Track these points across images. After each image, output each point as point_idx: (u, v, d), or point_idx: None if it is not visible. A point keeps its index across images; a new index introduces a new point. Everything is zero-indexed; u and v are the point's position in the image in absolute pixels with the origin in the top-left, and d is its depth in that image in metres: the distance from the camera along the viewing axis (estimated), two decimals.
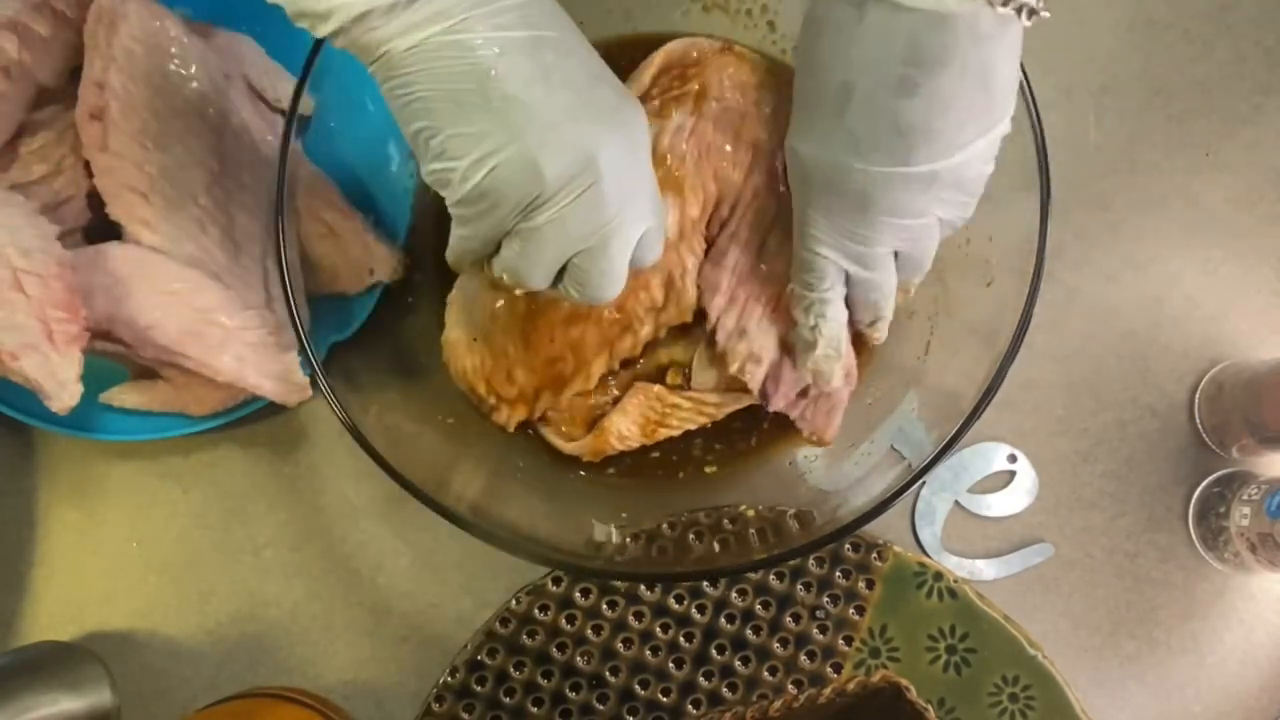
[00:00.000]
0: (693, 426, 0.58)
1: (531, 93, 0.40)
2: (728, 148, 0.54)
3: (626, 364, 0.58)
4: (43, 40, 0.57)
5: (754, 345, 0.54)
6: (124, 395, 0.61)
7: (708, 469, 0.61)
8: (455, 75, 0.39)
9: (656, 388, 0.57)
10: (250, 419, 0.62)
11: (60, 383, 0.53)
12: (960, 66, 0.41)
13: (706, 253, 0.55)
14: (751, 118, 0.54)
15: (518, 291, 0.47)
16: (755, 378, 0.54)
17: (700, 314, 0.56)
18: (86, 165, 0.59)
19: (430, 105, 0.40)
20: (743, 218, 0.54)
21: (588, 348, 0.55)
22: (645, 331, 0.55)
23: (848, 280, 0.50)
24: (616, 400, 0.58)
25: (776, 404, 0.55)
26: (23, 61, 0.56)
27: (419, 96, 0.40)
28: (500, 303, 0.55)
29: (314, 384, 0.60)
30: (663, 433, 0.58)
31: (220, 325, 0.58)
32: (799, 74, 0.47)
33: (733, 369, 0.54)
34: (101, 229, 0.60)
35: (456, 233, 0.45)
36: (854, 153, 0.44)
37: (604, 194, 0.42)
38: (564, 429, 0.59)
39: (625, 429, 0.57)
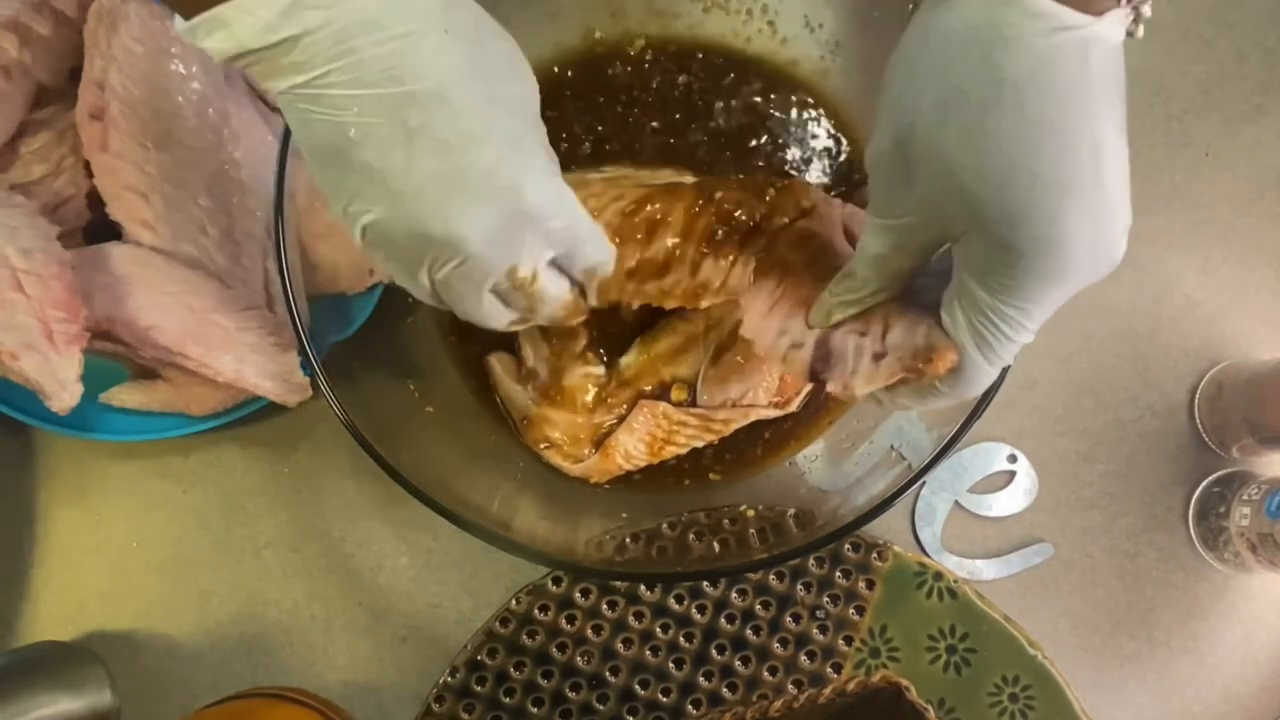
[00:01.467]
0: (699, 444, 0.58)
1: (389, 161, 0.37)
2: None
3: (628, 383, 0.58)
4: (43, 40, 0.57)
5: (795, 337, 0.50)
6: (124, 395, 0.60)
7: (712, 475, 0.61)
8: (318, 129, 0.37)
9: (662, 405, 0.57)
10: (250, 419, 0.62)
11: (60, 383, 0.53)
12: None
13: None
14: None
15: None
16: (801, 362, 0.49)
17: (695, 335, 0.56)
18: (86, 165, 0.59)
19: (307, 149, 0.39)
20: (791, 251, 0.52)
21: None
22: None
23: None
24: (621, 420, 0.58)
25: (836, 382, 0.48)
26: (23, 61, 0.56)
27: (297, 138, 0.38)
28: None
29: (314, 384, 0.60)
30: (669, 450, 0.58)
31: (220, 325, 0.58)
32: (1038, 159, 0.36)
33: (772, 364, 0.51)
34: (101, 229, 0.60)
35: None
36: (1110, 216, 0.37)
37: (476, 266, 0.40)
38: (568, 450, 0.58)
39: (632, 447, 0.57)
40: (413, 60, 0.36)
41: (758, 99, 0.62)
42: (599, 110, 0.61)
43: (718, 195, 0.52)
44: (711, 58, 0.62)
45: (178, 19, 0.36)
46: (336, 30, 0.34)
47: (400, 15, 0.35)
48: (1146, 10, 0.35)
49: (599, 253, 0.45)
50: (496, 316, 0.44)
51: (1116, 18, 0.34)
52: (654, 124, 0.61)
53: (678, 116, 0.61)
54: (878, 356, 0.46)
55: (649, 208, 0.51)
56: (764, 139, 0.61)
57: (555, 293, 0.44)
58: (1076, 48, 0.34)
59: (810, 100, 0.62)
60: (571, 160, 0.60)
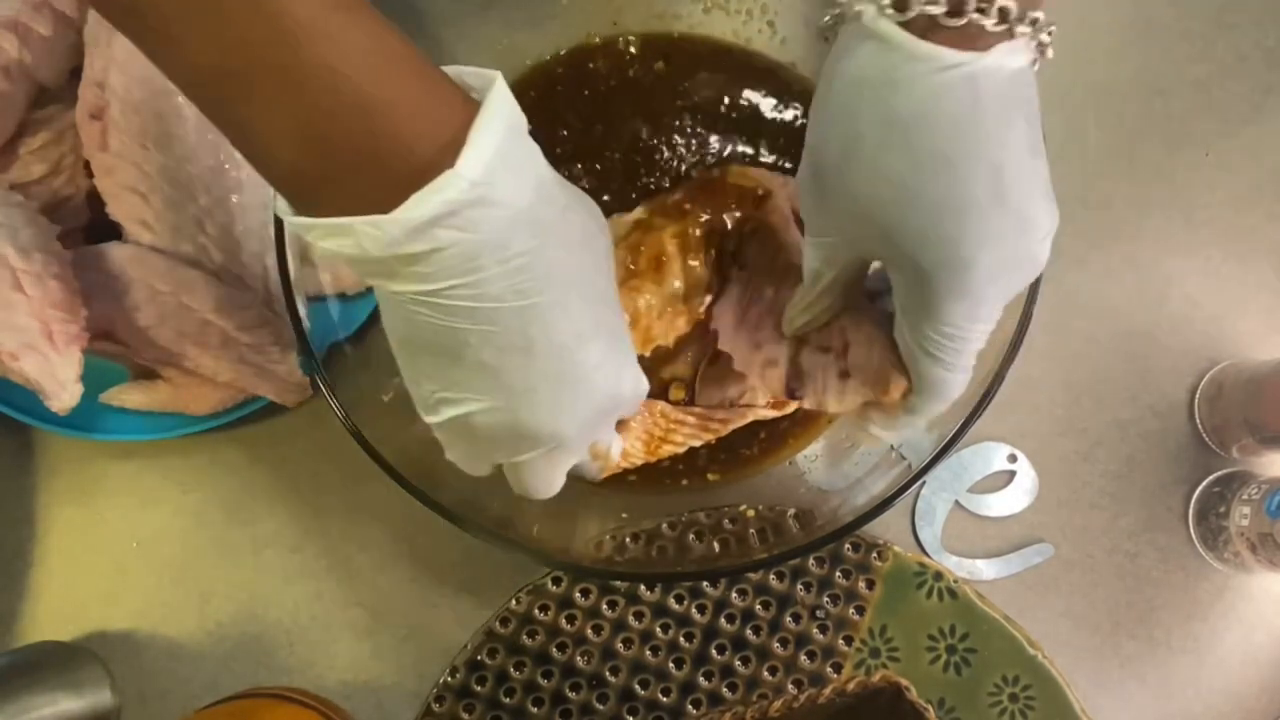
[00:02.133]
0: (697, 443, 0.58)
1: (505, 361, 0.37)
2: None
3: None
4: (43, 40, 0.57)
5: (770, 353, 0.53)
6: (124, 395, 0.61)
7: (710, 476, 0.61)
8: (428, 329, 0.36)
9: (660, 404, 0.57)
10: (250, 419, 0.62)
11: (60, 383, 0.53)
12: None
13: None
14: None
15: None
16: (777, 380, 0.52)
17: (694, 333, 0.56)
18: (86, 165, 0.59)
19: (404, 340, 0.39)
20: (748, 246, 0.54)
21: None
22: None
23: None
24: None
25: (811, 398, 0.51)
26: (23, 61, 0.56)
27: (399, 336, 0.39)
28: None
29: (314, 384, 0.60)
30: (666, 450, 0.58)
31: (220, 325, 0.58)
32: (933, 188, 0.38)
33: (753, 381, 0.53)
34: (101, 229, 0.60)
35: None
36: (1023, 230, 0.39)
37: (565, 457, 0.43)
38: None
39: (629, 445, 0.57)
40: (536, 275, 0.36)
41: (757, 99, 0.62)
42: (594, 111, 0.61)
43: (687, 207, 0.53)
44: (710, 58, 0.62)
45: (281, 203, 0.35)
46: (466, 250, 0.34)
47: (524, 234, 0.35)
48: (1046, 38, 0.38)
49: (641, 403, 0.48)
50: (556, 482, 0.46)
51: (1008, 49, 0.36)
52: (650, 125, 0.61)
53: (675, 115, 0.61)
54: (843, 375, 0.50)
55: (644, 250, 0.53)
56: (763, 139, 0.61)
57: (618, 448, 0.49)
58: (963, 82, 0.36)
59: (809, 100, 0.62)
60: (567, 158, 0.60)
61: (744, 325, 0.53)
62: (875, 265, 0.49)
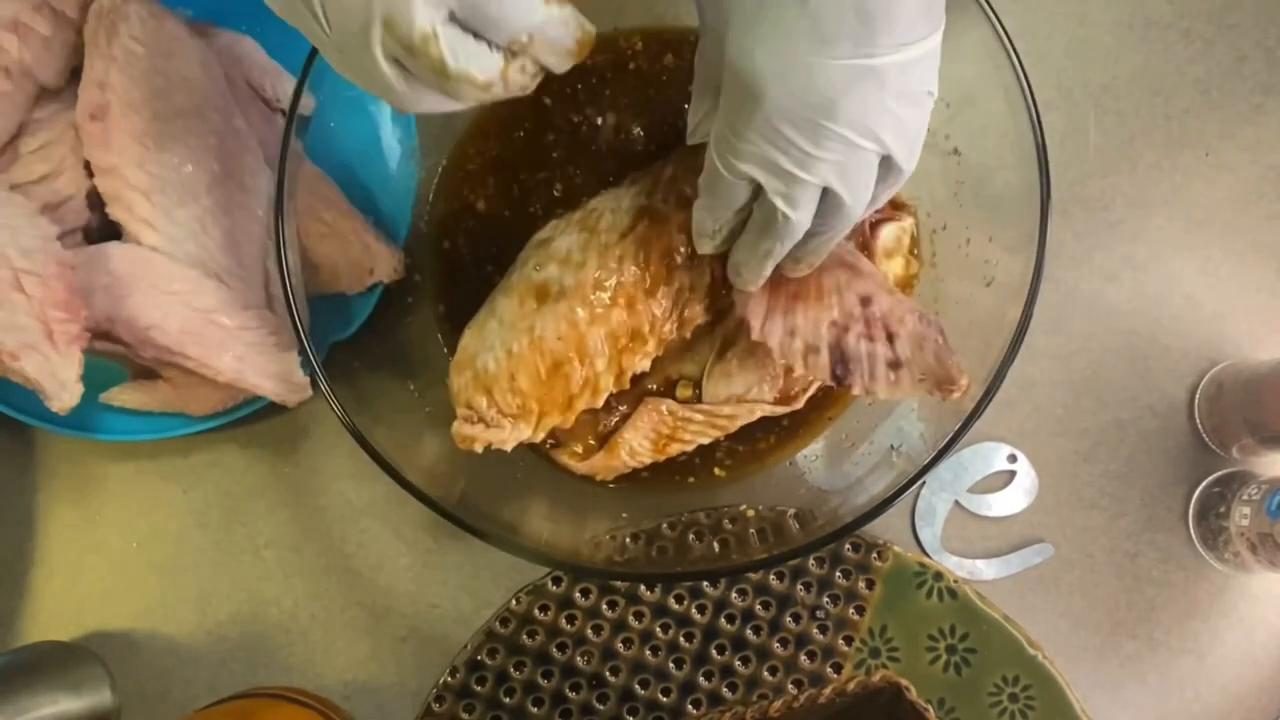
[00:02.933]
0: (705, 440, 0.58)
1: None
2: None
3: (635, 380, 0.58)
4: (43, 40, 0.57)
5: (807, 338, 0.51)
6: (124, 395, 0.61)
7: (718, 471, 0.61)
8: None
9: (667, 402, 0.57)
10: (250, 419, 0.62)
11: (60, 383, 0.53)
12: None
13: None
14: None
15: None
16: (823, 367, 0.51)
17: (703, 329, 0.55)
18: (86, 165, 0.59)
19: None
20: None
21: (594, 352, 0.53)
22: (652, 345, 0.54)
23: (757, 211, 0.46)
24: (625, 417, 0.58)
25: (859, 384, 0.51)
26: (23, 61, 0.56)
27: None
28: (517, 296, 0.54)
29: (314, 384, 0.60)
30: (674, 448, 0.58)
31: (220, 325, 0.58)
32: None
33: (798, 370, 0.52)
34: (101, 229, 0.60)
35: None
36: (818, 45, 0.39)
37: (345, 3, 0.33)
38: (576, 449, 0.58)
39: (637, 444, 0.57)
40: None
41: None
42: (592, 108, 0.61)
43: (688, 192, 0.52)
44: None
45: None
46: None
47: None
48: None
49: (530, 12, 0.37)
50: (408, 94, 0.36)
51: None
52: (651, 119, 0.61)
53: (673, 107, 0.61)
54: (893, 365, 0.51)
55: (655, 247, 0.52)
56: None
57: (465, 65, 0.36)
58: None
59: None
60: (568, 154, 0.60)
61: (775, 313, 0.51)
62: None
